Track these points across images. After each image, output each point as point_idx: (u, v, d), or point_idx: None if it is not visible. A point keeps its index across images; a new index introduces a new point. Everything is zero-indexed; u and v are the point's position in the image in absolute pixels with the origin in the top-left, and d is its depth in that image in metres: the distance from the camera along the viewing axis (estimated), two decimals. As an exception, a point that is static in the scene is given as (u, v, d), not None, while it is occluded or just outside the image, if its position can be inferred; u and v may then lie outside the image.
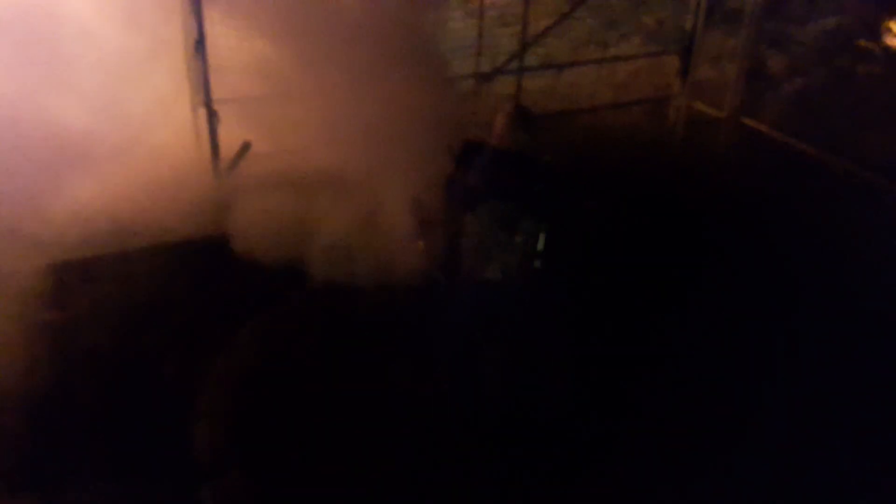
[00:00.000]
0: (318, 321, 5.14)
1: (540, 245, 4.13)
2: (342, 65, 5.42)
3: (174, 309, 5.14)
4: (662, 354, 4.92)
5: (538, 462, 4.26)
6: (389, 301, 5.08)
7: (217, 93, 5.71)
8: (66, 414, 4.35)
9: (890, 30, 10.24)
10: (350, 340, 4.93)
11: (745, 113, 7.79)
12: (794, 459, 4.21)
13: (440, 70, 6.14)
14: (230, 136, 5.83)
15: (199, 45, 5.58)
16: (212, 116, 5.77)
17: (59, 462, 4.10)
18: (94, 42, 5.54)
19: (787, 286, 5.48)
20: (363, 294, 5.24)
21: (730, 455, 4.23)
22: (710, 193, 6.70)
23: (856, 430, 4.35)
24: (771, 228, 6.14)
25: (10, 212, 5.22)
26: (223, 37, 5.50)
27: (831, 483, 4.05)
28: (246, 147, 5.95)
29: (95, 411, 4.39)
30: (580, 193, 4.38)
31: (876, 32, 10.07)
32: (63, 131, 5.37)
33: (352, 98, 5.44)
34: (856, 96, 8.02)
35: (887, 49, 9.73)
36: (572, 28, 8.66)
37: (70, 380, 4.54)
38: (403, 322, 4.93)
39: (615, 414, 4.57)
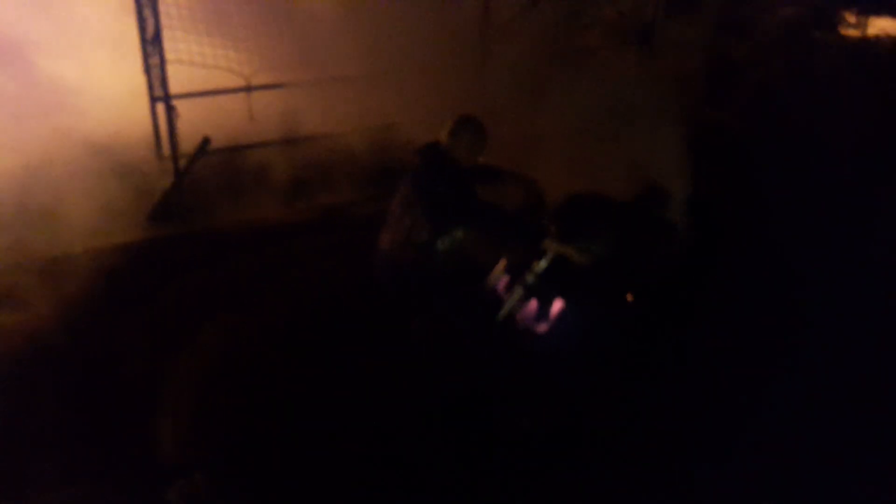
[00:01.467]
0: (283, 318, 5.09)
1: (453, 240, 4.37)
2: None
3: (137, 308, 5.07)
4: (645, 352, 4.91)
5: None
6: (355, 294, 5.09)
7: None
8: (28, 417, 4.27)
9: (846, 20, 10.41)
10: (316, 336, 4.90)
11: (706, 104, 7.85)
12: (794, 459, 4.21)
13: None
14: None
15: (156, 39, 5.50)
16: (170, 111, 5.69)
17: (22, 466, 4.01)
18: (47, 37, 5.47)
19: (752, 279, 5.50)
20: (328, 290, 5.25)
21: (728, 456, 4.22)
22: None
23: (854, 430, 4.36)
24: (732, 221, 6.16)
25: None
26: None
27: (832, 483, 4.07)
28: (206, 142, 5.87)
29: (58, 413, 4.30)
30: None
31: (833, 23, 10.23)
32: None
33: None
34: (813, 86, 8.11)
35: (843, 39, 9.89)
36: (533, 20, 8.65)
37: (31, 382, 4.45)
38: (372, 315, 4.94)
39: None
